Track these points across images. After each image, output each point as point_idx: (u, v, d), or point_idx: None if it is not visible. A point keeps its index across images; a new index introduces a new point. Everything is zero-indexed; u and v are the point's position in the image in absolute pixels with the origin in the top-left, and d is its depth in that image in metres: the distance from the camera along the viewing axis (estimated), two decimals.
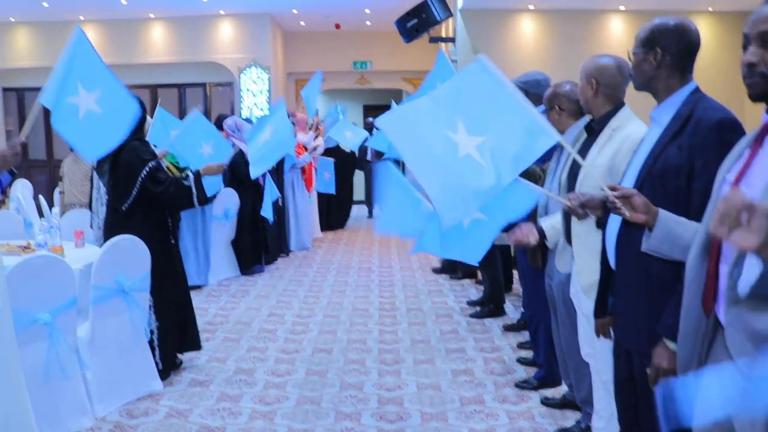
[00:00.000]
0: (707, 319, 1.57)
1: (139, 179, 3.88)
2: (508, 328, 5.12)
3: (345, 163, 10.42)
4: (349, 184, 10.77)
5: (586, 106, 2.79)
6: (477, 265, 3.36)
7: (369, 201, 12.14)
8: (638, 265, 2.01)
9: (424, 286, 6.67)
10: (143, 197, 3.92)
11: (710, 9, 8.68)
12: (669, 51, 2.03)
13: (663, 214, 1.85)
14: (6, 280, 2.76)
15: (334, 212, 10.42)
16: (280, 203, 8.03)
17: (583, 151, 2.76)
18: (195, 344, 4.39)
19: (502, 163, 2.20)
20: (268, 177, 6.69)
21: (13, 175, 7.84)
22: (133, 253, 3.69)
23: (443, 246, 3.06)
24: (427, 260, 7.73)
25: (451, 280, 6.89)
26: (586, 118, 2.88)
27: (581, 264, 2.68)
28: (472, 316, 5.51)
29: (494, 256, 5.26)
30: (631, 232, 2.00)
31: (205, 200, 4.13)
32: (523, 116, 2.18)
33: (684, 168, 1.93)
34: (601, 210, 2.20)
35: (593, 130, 2.76)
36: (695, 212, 1.83)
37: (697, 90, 2.05)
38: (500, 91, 2.21)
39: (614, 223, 2.12)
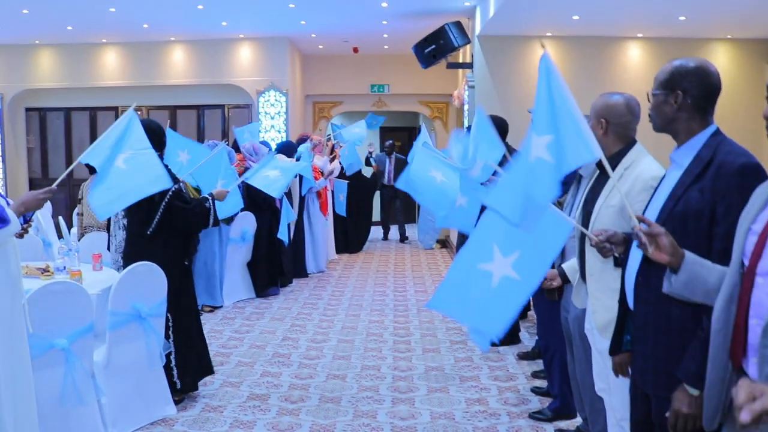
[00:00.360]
0: (733, 370, 1.54)
1: (163, 203, 3.93)
2: (523, 357, 5.09)
3: (364, 187, 10.45)
4: (368, 209, 10.79)
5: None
6: (497, 342, 2.88)
7: (385, 223, 12.14)
8: (657, 307, 1.98)
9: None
10: (165, 221, 3.97)
11: (729, 36, 8.66)
12: (690, 93, 2.01)
13: (689, 257, 1.77)
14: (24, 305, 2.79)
15: (351, 235, 10.43)
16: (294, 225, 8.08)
17: (595, 188, 2.75)
18: (208, 369, 4.39)
19: (557, 162, 2.15)
20: (285, 200, 6.71)
21: None
22: (150, 280, 3.71)
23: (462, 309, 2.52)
24: None
25: None
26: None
27: (595, 302, 2.64)
28: None
29: None
30: (650, 273, 1.98)
31: (217, 222, 4.31)
32: (576, 121, 2.14)
33: (705, 212, 1.91)
34: (623, 248, 2.18)
35: (605, 169, 2.73)
36: (717, 257, 1.81)
37: (717, 132, 2.03)
38: (561, 92, 2.20)
39: (634, 262, 2.10)
